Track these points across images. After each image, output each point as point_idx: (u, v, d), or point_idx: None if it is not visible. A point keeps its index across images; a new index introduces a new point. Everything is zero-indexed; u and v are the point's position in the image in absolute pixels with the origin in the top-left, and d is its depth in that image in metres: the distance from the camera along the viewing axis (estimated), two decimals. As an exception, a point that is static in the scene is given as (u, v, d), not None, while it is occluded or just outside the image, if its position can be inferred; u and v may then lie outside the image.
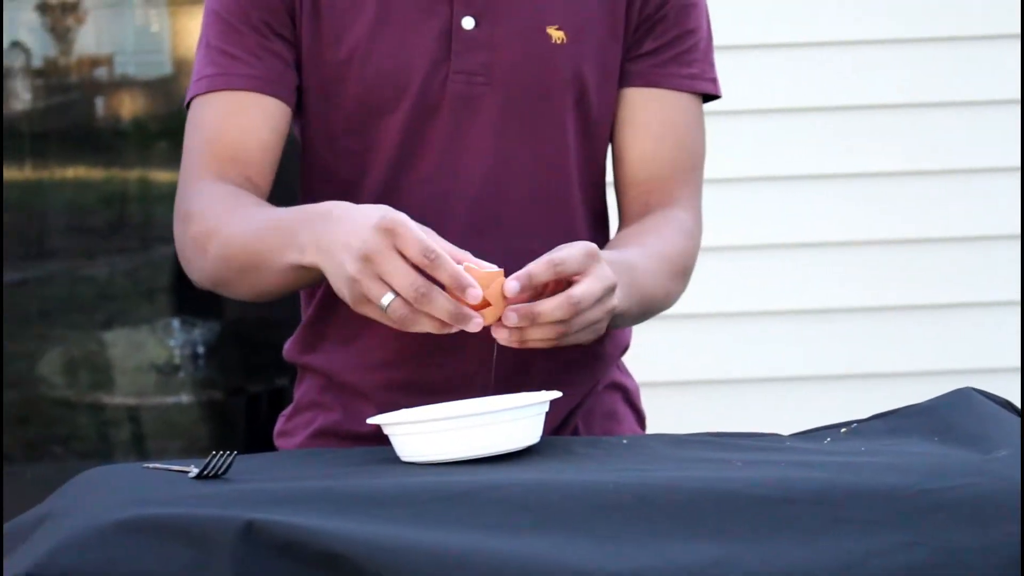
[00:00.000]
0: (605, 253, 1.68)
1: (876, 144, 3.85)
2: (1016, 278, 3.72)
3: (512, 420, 1.55)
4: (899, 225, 3.86)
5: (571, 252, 1.61)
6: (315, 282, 1.75)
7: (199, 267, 1.83)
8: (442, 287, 1.50)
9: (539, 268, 1.56)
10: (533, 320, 1.56)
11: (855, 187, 3.88)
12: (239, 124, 1.83)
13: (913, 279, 3.86)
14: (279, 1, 1.84)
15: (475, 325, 1.53)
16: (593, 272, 1.60)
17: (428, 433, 1.56)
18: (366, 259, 1.50)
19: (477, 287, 1.51)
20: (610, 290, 1.62)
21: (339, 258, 1.56)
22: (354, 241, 1.54)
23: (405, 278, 1.48)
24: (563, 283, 1.58)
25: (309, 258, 1.63)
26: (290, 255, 1.65)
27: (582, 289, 1.56)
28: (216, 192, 1.81)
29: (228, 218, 1.77)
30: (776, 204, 3.84)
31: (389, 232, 1.50)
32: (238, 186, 1.82)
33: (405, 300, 1.50)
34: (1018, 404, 1.71)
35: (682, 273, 1.91)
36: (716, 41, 2.14)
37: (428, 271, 1.48)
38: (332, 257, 1.58)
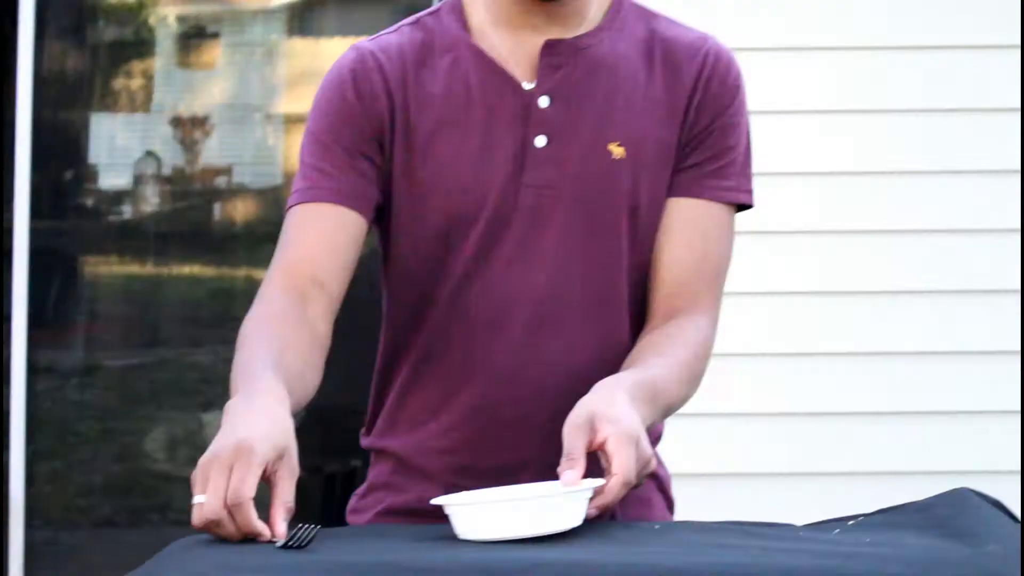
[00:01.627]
0: (634, 378, 1.77)
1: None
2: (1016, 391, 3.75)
3: (559, 504, 1.60)
4: (909, 340, 3.93)
5: (624, 455, 1.64)
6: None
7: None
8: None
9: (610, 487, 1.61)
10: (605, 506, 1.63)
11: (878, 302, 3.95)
12: (316, 230, 1.90)
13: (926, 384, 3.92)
14: (367, 125, 1.92)
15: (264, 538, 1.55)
16: (629, 464, 1.63)
17: (484, 513, 1.60)
18: (211, 459, 1.54)
19: (264, 533, 1.54)
20: (647, 462, 1.68)
21: (214, 443, 1.57)
22: (223, 441, 1.56)
23: (215, 494, 1.52)
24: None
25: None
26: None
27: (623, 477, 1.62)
28: (266, 309, 1.85)
29: (250, 346, 1.80)
30: (798, 314, 3.95)
31: (243, 453, 1.54)
32: (303, 289, 1.87)
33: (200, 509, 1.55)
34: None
35: (697, 378, 1.96)
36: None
37: (226, 505, 1.51)
38: (217, 435, 1.60)
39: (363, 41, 1.99)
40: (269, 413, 1.63)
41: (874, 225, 4.00)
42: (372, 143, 1.92)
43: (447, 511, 1.60)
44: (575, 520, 1.59)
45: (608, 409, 1.67)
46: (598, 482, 1.61)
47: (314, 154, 1.93)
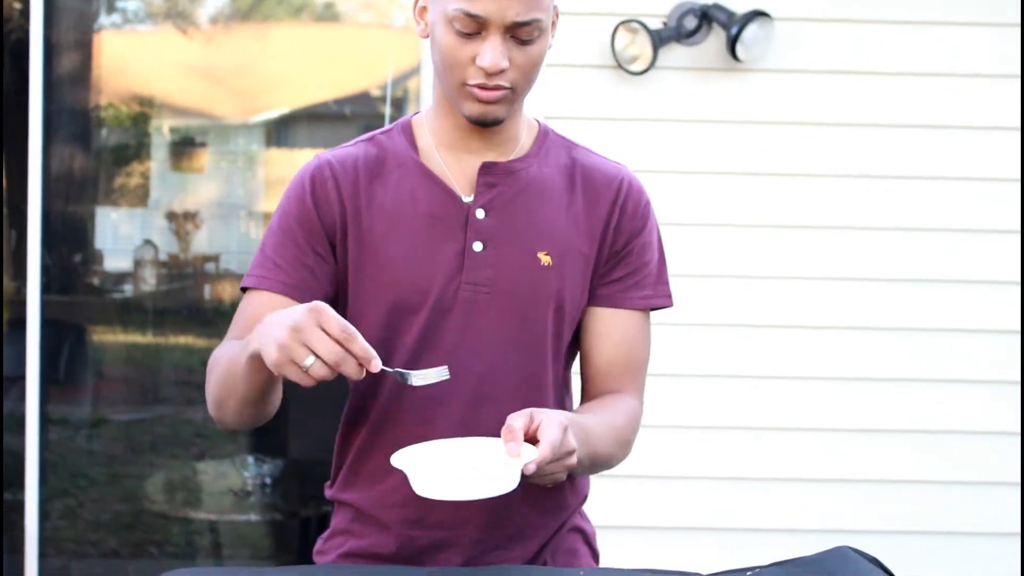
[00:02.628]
0: (570, 415, 1.80)
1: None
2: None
3: (498, 473, 1.68)
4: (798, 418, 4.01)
5: (553, 431, 1.72)
6: (266, 384, 1.81)
7: (209, 397, 1.94)
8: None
9: (545, 443, 1.70)
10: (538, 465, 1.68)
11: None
12: (265, 314, 1.85)
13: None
14: (321, 227, 1.96)
15: (375, 366, 1.64)
16: (556, 436, 1.72)
17: (435, 477, 1.69)
18: (295, 330, 1.61)
19: (378, 360, 1.64)
20: (571, 448, 1.76)
21: (273, 332, 1.64)
22: (286, 319, 1.63)
23: (326, 344, 1.61)
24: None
25: (253, 346, 1.71)
26: (245, 353, 1.75)
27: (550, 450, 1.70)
28: (227, 345, 1.93)
29: (223, 354, 1.90)
30: (698, 394, 4.02)
31: (316, 312, 1.62)
32: None
33: (324, 362, 1.61)
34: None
35: (625, 443, 2.02)
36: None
37: (344, 344, 1.61)
38: (267, 334, 1.66)
39: (324, 152, 2.03)
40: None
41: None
42: (324, 243, 1.96)
43: (404, 470, 1.70)
44: (512, 484, 1.68)
45: (545, 410, 1.77)
46: (532, 451, 1.69)
47: (272, 246, 1.97)
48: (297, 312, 1.62)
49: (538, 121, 2.09)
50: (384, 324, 1.96)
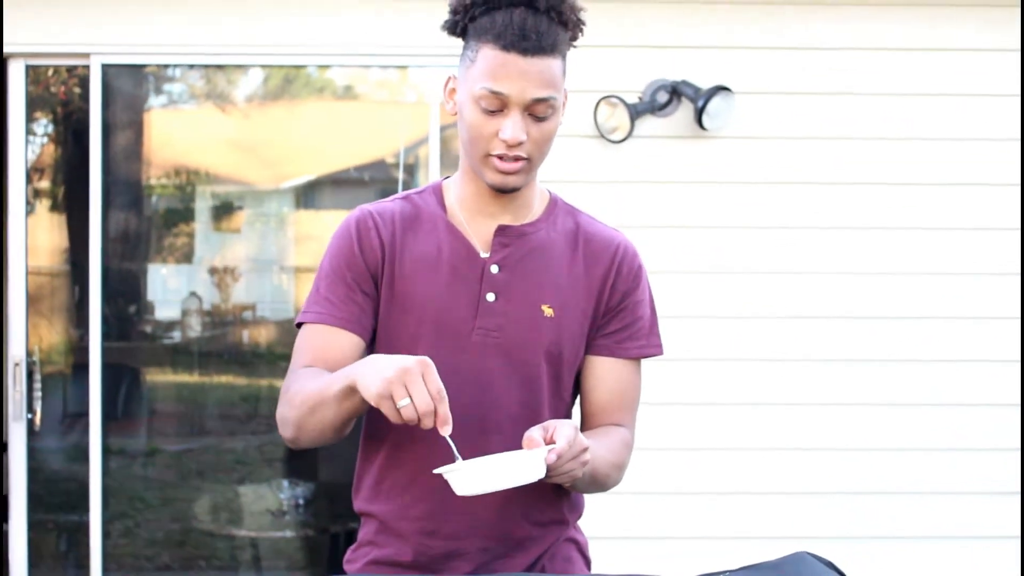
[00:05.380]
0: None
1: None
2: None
3: (524, 462, 1.72)
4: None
5: (567, 429, 1.80)
6: (354, 411, 1.86)
7: (289, 419, 1.95)
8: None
9: (561, 438, 1.77)
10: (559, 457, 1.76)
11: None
12: (328, 345, 1.99)
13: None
14: (365, 268, 2.01)
15: (446, 431, 1.73)
16: (569, 434, 1.79)
17: (470, 472, 1.73)
18: (403, 371, 1.68)
19: (451, 426, 1.71)
20: (584, 447, 1.83)
21: (379, 366, 1.71)
22: (397, 360, 1.70)
23: (423, 396, 1.68)
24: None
25: (352, 378, 1.76)
26: (340, 383, 1.80)
27: (569, 442, 1.78)
28: (306, 372, 1.97)
29: (309, 380, 1.93)
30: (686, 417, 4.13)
31: (424, 364, 1.70)
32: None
33: (415, 408, 1.68)
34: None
35: (620, 465, 2.06)
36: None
37: (435, 401, 1.69)
38: (372, 367, 1.73)
39: (367, 204, 2.09)
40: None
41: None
42: (369, 281, 2.01)
43: (446, 476, 1.75)
44: (539, 472, 1.73)
45: (557, 421, 1.84)
46: (547, 448, 1.75)
47: (326, 286, 2.02)
48: (408, 358, 1.69)
49: (549, 191, 2.13)
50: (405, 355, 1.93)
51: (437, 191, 2.08)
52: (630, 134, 4.17)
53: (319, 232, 5.21)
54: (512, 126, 1.89)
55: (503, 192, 1.98)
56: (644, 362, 2.14)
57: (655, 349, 2.11)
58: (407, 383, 1.67)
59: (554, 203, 2.10)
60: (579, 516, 2.16)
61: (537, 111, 1.90)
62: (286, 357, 4.69)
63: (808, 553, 1.82)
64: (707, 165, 4.25)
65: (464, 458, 1.77)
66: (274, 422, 2.06)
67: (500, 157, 1.92)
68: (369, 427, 2.07)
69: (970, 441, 4.29)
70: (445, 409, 1.69)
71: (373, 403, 1.69)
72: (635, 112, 4.15)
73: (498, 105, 1.89)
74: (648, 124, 4.22)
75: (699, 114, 4.10)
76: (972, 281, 4.30)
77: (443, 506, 1.97)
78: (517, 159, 1.92)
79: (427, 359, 1.70)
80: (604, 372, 2.08)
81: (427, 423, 1.68)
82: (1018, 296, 4.27)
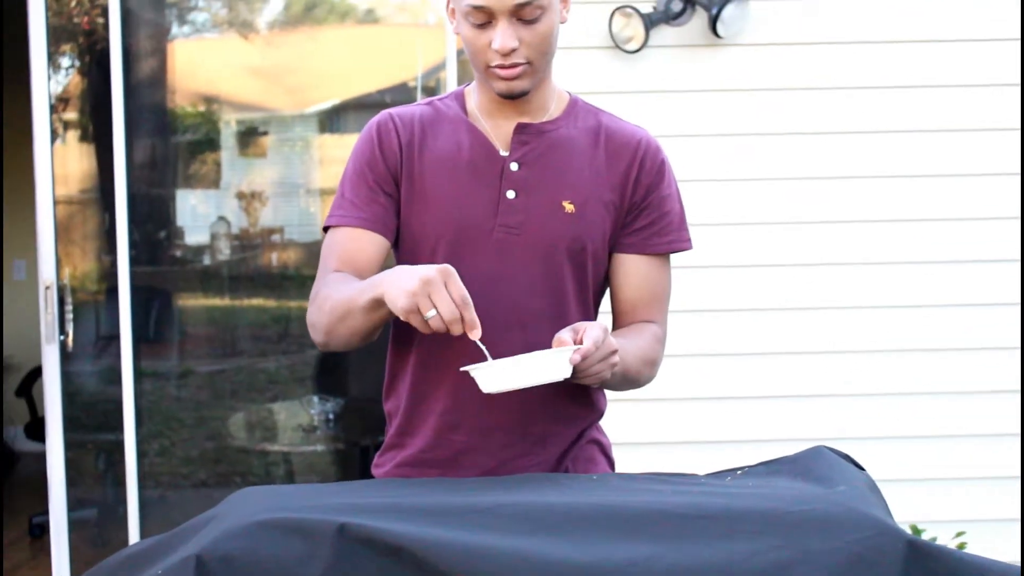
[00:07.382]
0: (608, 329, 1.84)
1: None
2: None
3: (551, 360, 1.74)
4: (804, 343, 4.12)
5: (595, 330, 1.81)
6: (382, 320, 1.88)
7: (319, 325, 1.97)
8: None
9: (589, 336, 1.78)
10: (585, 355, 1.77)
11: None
12: (354, 247, 2.02)
13: None
14: (385, 169, 2.04)
15: (475, 334, 1.74)
16: (597, 335, 1.80)
17: (497, 369, 1.75)
18: (425, 282, 1.69)
19: (479, 330, 1.72)
20: (613, 349, 1.84)
21: (403, 280, 1.72)
22: (419, 271, 1.71)
23: (448, 305, 1.69)
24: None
25: (379, 291, 1.78)
26: (367, 295, 1.83)
27: (599, 341, 1.79)
28: (335, 277, 1.99)
29: (338, 287, 1.94)
30: (703, 326, 4.11)
31: (445, 273, 1.71)
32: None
33: (441, 318, 1.70)
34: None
35: (652, 363, 2.08)
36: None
37: (460, 308, 1.70)
38: (396, 281, 1.74)
39: (390, 108, 2.13)
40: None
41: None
42: (390, 183, 2.04)
43: (472, 374, 1.78)
44: (565, 371, 1.75)
45: (588, 323, 1.85)
46: (573, 348, 1.76)
47: (349, 189, 2.06)
48: (430, 268, 1.71)
49: (569, 93, 2.15)
50: (427, 255, 2.01)
51: (459, 96, 2.11)
52: (645, 44, 4.12)
53: (343, 156, 4.77)
54: (500, 36, 1.91)
55: (512, 98, 1.99)
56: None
57: (683, 244, 2.11)
58: (431, 294, 1.68)
59: (574, 103, 2.11)
60: (600, 416, 2.17)
61: (524, 15, 1.91)
62: (314, 279, 4.40)
63: (826, 447, 1.83)
64: (722, 73, 4.20)
65: (492, 357, 1.78)
66: (305, 341, 2.08)
67: (499, 67, 1.94)
68: (397, 330, 2.09)
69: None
70: (471, 314, 1.70)
71: (402, 319, 1.71)
72: (650, 21, 4.11)
73: (484, 18, 1.92)
74: (662, 34, 4.16)
75: (713, 22, 4.06)
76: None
77: (466, 402, 2.00)
78: (515, 65, 1.93)
79: (448, 267, 1.71)
80: (633, 269, 2.09)
81: (455, 330, 1.70)
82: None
